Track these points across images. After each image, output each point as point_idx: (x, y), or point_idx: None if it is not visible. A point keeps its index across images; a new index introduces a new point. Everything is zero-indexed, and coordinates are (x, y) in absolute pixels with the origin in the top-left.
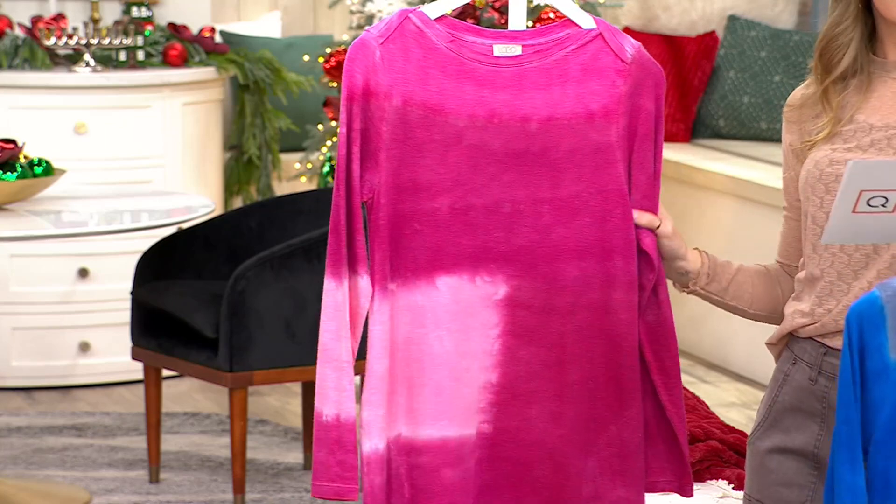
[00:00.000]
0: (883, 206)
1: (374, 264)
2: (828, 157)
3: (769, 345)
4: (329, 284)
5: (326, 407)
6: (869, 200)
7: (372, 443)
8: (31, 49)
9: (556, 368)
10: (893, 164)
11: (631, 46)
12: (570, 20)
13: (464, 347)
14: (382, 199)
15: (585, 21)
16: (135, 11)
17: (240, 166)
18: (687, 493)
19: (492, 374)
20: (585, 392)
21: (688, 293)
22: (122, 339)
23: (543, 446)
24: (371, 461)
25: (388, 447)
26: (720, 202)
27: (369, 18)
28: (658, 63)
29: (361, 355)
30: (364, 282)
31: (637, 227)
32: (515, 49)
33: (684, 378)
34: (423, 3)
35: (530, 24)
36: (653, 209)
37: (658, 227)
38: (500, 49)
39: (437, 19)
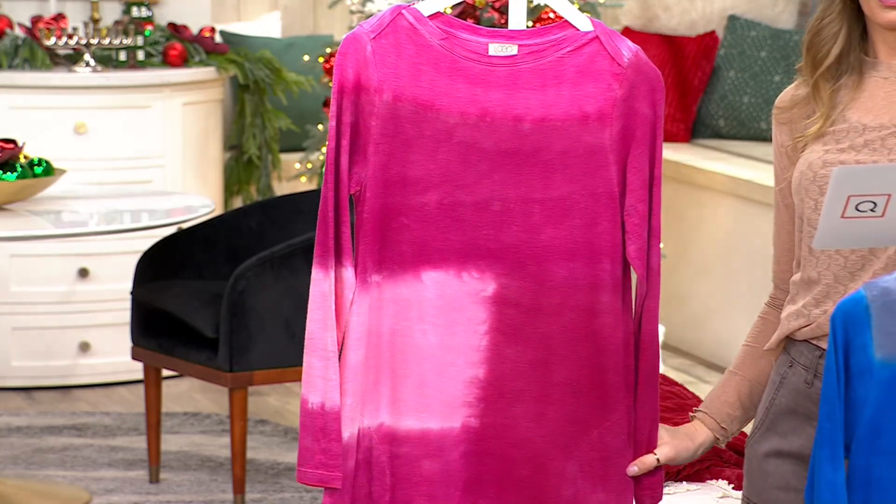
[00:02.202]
0: (872, 210)
1: (357, 256)
2: (821, 158)
3: (768, 351)
4: (317, 274)
5: (312, 395)
6: (857, 205)
7: (346, 430)
8: (31, 49)
9: (542, 369)
10: (878, 169)
11: (628, 50)
12: (568, 21)
13: (449, 342)
14: (368, 193)
15: (583, 23)
16: (135, 11)
17: (240, 166)
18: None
19: (479, 370)
20: (570, 394)
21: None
22: (122, 339)
23: (526, 446)
24: (345, 448)
25: (365, 435)
26: (720, 202)
27: (369, 18)
28: (657, 68)
29: None
30: (348, 273)
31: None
32: (511, 49)
33: (684, 378)
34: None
35: (530, 24)
36: (645, 213)
37: (658, 459)
38: (496, 48)
39: (431, 16)
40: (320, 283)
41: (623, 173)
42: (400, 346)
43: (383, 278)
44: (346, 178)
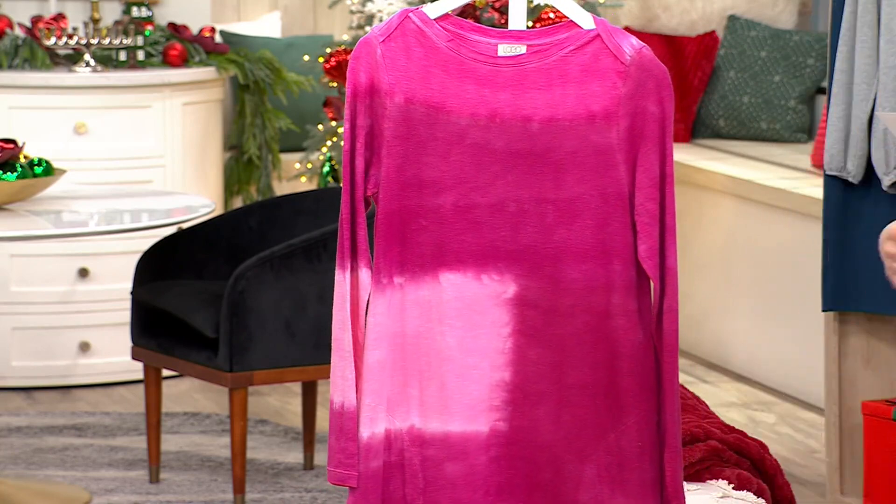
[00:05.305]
0: None
1: (374, 257)
2: None
3: None
4: (337, 276)
5: (335, 395)
6: None
7: (365, 430)
8: (31, 49)
9: (559, 371)
10: None
11: (630, 48)
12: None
13: (471, 345)
14: (382, 195)
15: (585, 21)
16: (135, 11)
17: (240, 166)
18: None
19: (504, 373)
20: (585, 397)
21: None
22: (122, 339)
23: (548, 449)
24: (365, 447)
25: (397, 437)
26: (720, 202)
27: (369, 18)
28: (663, 65)
29: None
30: (364, 274)
31: None
32: (520, 48)
33: (684, 378)
34: (424, 3)
35: (530, 24)
36: (656, 212)
37: None
38: (505, 48)
39: (439, 18)
40: (340, 284)
41: (633, 172)
42: (424, 348)
43: (406, 280)
44: (362, 181)
